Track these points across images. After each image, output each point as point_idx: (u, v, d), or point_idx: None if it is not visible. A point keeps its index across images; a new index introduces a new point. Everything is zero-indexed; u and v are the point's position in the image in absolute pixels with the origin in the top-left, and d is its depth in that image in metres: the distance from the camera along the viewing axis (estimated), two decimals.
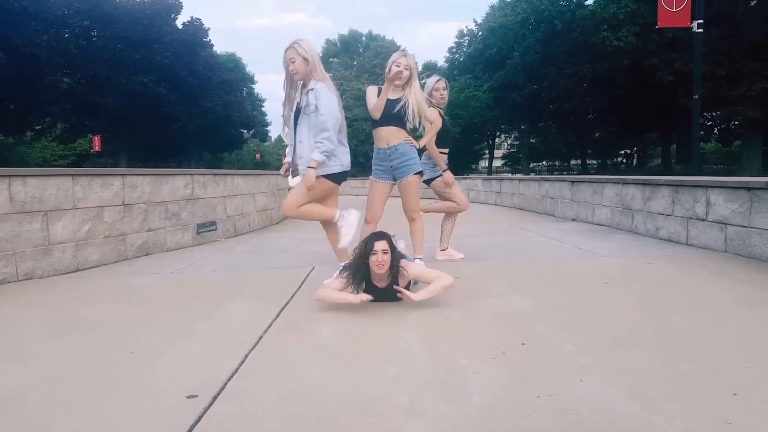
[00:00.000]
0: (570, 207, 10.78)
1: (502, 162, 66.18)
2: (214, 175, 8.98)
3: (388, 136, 4.99)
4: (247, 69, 67.23)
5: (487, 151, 55.60)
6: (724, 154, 54.45)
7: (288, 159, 4.87)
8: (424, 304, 3.83)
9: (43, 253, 5.73)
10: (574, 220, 10.42)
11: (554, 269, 5.39)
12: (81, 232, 6.16)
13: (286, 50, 4.44)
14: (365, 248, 3.74)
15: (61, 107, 16.48)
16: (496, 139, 56.22)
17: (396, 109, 4.88)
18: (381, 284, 3.83)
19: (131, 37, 14.75)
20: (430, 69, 61.57)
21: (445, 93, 5.80)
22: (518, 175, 15.97)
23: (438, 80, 5.83)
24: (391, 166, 5.05)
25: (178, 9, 17.28)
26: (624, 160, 63.99)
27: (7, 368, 2.94)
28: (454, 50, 42.39)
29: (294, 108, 4.67)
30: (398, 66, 4.79)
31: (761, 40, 20.31)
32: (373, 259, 3.68)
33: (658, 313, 3.66)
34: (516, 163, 57.35)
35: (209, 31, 23.85)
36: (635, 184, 8.11)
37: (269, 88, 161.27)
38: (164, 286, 5.06)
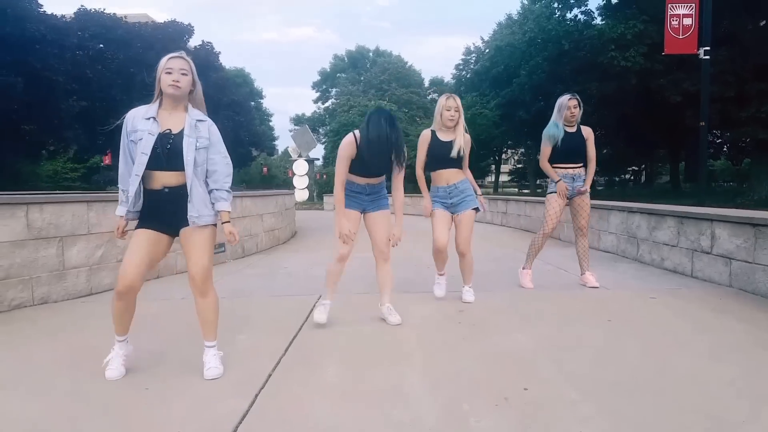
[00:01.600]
0: None
1: (509, 177, 66.31)
2: None
3: (449, 177, 5.31)
4: (255, 84, 67.74)
5: (493, 166, 55.72)
6: (733, 172, 54.41)
7: (124, 212, 3.46)
8: (430, 343, 3.93)
9: (58, 278, 5.86)
10: None
11: (559, 303, 5.45)
12: (95, 257, 6.29)
13: (174, 58, 3.37)
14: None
15: (76, 132, 16.76)
16: (503, 155, 56.34)
17: (451, 153, 5.21)
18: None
19: (145, 61, 14.96)
20: (437, 84, 61.90)
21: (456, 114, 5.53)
22: (524, 197, 16.03)
23: (448, 98, 5.49)
24: (451, 203, 5.33)
25: (190, 33, 17.55)
26: (632, 177, 63.96)
27: (26, 402, 3.04)
28: (461, 67, 42.67)
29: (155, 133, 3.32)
30: (448, 110, 5.19)
31: None
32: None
33: (659, 356, 3.73)
34: (523, 179, 57.41)
35: (220, 55, 24.37)
36: (641, 212, 8.19)
37: (275, 101, 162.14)
38: (175, 315, 5.15)
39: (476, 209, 5.33)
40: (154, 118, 3.32)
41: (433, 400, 3.01)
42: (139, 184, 3.32)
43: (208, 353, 3.52)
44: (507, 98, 33.01)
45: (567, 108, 6.03)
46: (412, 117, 47.20)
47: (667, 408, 2.87)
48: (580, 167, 6.21)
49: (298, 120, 64.75)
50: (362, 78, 58.83)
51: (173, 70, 3.32)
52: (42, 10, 13.05)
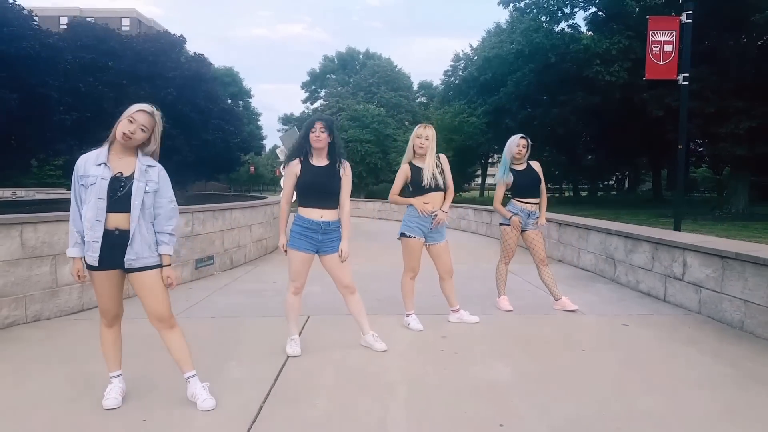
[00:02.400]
0: (557, 248, 11.11)
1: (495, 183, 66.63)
2: (214, 210, 9.27)
3: (433, 202, 5.53)
4: (244, 84, 67.82)
5: (480, 171, 56.13)
6: (713, 181, 55.23)
7: (80, 254, 3.53)
8: (413, 374, 4.15)
9: (50, 295, 6.01)
10: (560, 261, 10.75)
11: (537, 329, 5.69)
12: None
13: (141, 112, 3.48)
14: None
15: (68, 144, 16.89)
16: (489, 159, 56.75)
17: (423, 181, 5.48)
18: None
19: (136, 73, 15.09)
20: (425, 88, 62.22)
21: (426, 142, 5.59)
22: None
23: (421, 127, 5.67)
24: (429, 229, 5.56)
25: (181, 44, 17.64)
26: (615, 185, 64.70)
27: None
28: (450, 73, 43.01)
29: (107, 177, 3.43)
30: (419, 138, 5.46)
31: (750, 79, 20.82)
32: (312, 135, 4.45)
33: (625, 391, 3.97)
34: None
35: (211, 60, 24.86)
36: (618, 235, 8.46)
37: (264, 97, 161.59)
38: None
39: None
40: (105, 163, 3.43)
41: None
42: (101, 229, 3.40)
43: (192, 385, 3.66)
44: (494, 106, 33.37)
45: (517, 146, 6.47)
46: (400, 121, 47.40)
47: None
48: (536, 203, 6.67)
49: (286, 119, 64.68)
50: (351, 80, 58.94)
51: (135, 121, 3.43)
52: (36, 24, 13.14)
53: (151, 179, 3.51)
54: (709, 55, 20.75)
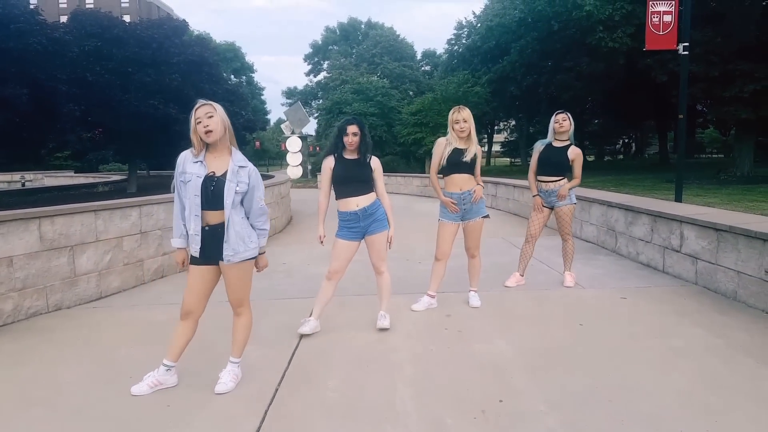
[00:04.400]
0: None
1: (503, 149, 66.64)
2: None
3: (461, 183, 5.61)
4: (246, 58, 67.64)
5: (486, 138, 56.02)
6: (721, 142, 54.98)
7: (183, 244, 3.93)
8: (418, 352, 4.41)
9: (70, 285, 6.27)
10: None
11: (538, 305, 5.92)
12: (103, 263, 6.69)
13: (199, 107, 3.70)
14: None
15: (77, 135, 17.15)
16: (495, 126, 56.65)
17: (464, 158, 5.54)
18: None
19: (141, 60, 15.19)
20: (429, 57, 61.77)
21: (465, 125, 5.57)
22: (513, 180, 16.43)
23: (455, 111, 5.63)
24: (463, 209, 5.66)
25: (184, 29, 17.70)
26: (622, 149, 64.45)
27: (55, 423, 3.47)
28: (453, 42, 42.65)
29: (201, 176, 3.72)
30: (457, 123, 5.51)
31: (754, 41, 20.66)
32: (346, 139, 4.86)
33: (618, 364, 4.21)
34: (515, 151, 57.83)
35: (213, 36, 24.82)
36: (619, 207, 8.63)
37: (267, 70, 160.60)
38: None
39: (486, 216, 5.80)
40: (202, 161, 3.72)
41: (420, 416, 3.46)
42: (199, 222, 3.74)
43: (228, 369, 4.00)
44: (498, 74, 33.22)
45: (555, 120, 6.55)
46: (405, 91, 47.26)
47: (617, 420, 3.33)
48: (553, 181, 6.61)
49: (290, 93, 64.62)
50: (354, 51, 58.64)
51: (202, 118, 3.67)
52: (42, 18, 13.26)
53: (242, 180, 3.76)
54: (713, 18, 20.57)
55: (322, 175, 5.18)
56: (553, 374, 4.04)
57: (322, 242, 5.12)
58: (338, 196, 5.03)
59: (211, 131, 3.65)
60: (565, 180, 6.61)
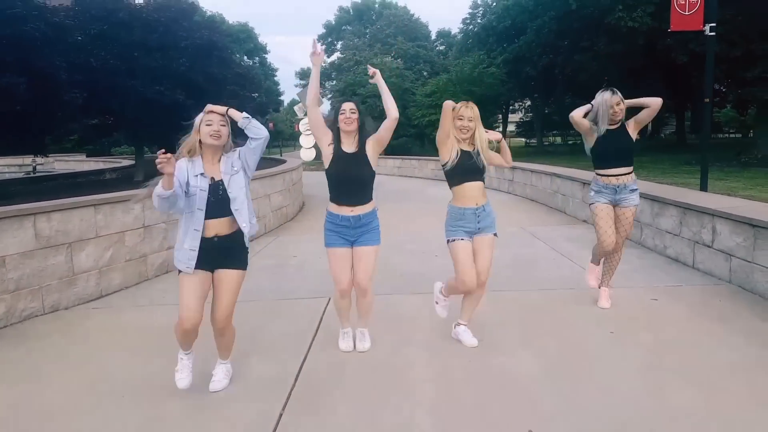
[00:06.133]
0: (581, 208, 10.87)
1: (518, 129, 65.88)
2: None
3: (477, 196, 4.48)
4: (260, 39, 67.19)
5: (500, 118, 55.23)
6: (739, 121, 53.86)
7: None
8: (436, 368, 4.05)
9: (67, 284, 5.98)
10: (585, 221, 10.52)
11: (563, 308, 5.53)
12: (104, 259, 6.39)
13: (211, 112, 3.66)
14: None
15: (81, 123, 16.81)
16: (510, 107, 55.83)
17: (472, 161, 4.45)
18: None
19: (147, 44, 14.70)
20: (444, 36, 60.85)
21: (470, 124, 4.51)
22: (531, 165, 16.01)
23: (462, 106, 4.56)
24: (478, 228, 4.51)
25: (192, 11, 17.09)
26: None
27: None
28: (468, 21, 41.73)
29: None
30: (461, 119, 4.45)
31: None
32: (341, 117, 4.24)
33: (657, 383, 3.82)
34: (530, 132, 57.10)
35: (225, 26, 24.07)
36: (644, 198, 8.18)
37: (281, 51, 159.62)
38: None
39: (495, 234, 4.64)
40: (202, 174, 3.59)
41: None
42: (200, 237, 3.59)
43: (219, 367, 3.96)
44: (514, 54, 32.51)
45: (610, 108, 5.19)
46: (419, 72, 46.52)
47: None
48: (624, 174, 5.33)
49: (303, 74, 64.02)
50: (368, 31, 57.88)
51: (213, 122, 3.60)
52: (42, 2, 12.85)
53: (235, 162, 3.74)
54: None
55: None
56: (585, 396, 3.65)
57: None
58: (332, 197, 4.37)
59: (219, 136, 3.62)
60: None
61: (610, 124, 5.25)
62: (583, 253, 7.74)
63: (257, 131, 3.73)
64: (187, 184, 3.54)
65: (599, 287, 5.66)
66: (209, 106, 3.67)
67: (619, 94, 5.22)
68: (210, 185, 3.59)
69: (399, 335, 4.84)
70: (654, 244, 7.89)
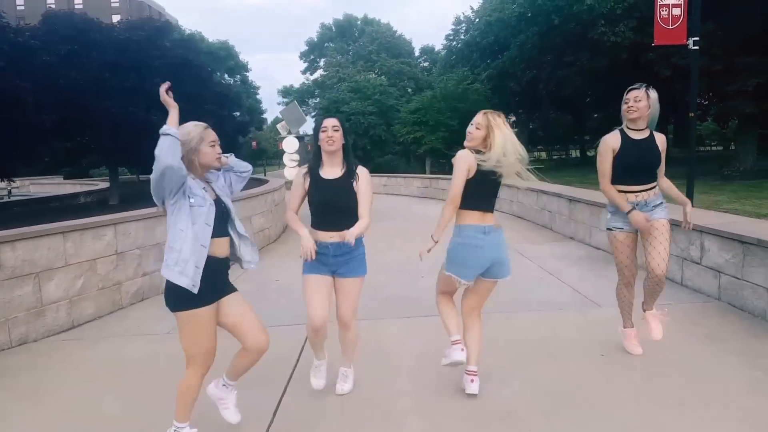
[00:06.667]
0: (568, 224, 10.76)
1: None
2: None
3: (489, 218, 3.97)
4: (240, 57, 67.06)
5: None
6: (720, 134, 54.37)
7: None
8: (424, 398, 3.84)
9: (36, 316, 5.73)
10: (572, 238, 10.41)
11: (552, 331, 5.37)
12: (74, 288, 6.15)
13: (209, 128, 3.37)
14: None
15: (51, 146, 16.39)
16: None
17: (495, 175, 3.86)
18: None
19: (120, 64, 14.47)
20: (428, 53, 61.21)
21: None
22: (517, 182, 15.84)
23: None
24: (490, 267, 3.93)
25: (168, 30, 16.89)
26: None
27: None
28: (451, 37, 41.98)
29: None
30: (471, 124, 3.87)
31: (759, 32, 20.12)
32: (323, 136, 3.78)
33: (651, 410, 3.66)
34: None
35: (203, 44, 24.15)
36: None
37: (262, 66, 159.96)
38: (159, 359, 4.96)
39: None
40: (205, 188, 3.26)
41: None
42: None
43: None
44: (498, 70, 32.75)
45: (625, 102, 4.42)
46: (403, 89, 46.67)
47: None
48: (647, 190, 4.47)
49: (286, 92, 64.02)
50: (350, 48, 58.08)
51: (216, 143, 3.30)
52: (5, 22, 12.56)
53: (220, 184, 3.43)
54: (715, 10, 20.02)
55: (292, 190, 3.98)
56: (579, 426, 3.48)
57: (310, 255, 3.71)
58: (313, 224, 3.86)
59: (223, 161, 3.40)
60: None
61: (629, 125, 4.44)
62: (570, 271, 7.62)
63: (244, 165, 3.57)
64: (194, 195, 3.14)
65: (644, 311, 4.73)
66: (202, 125, 3.32)
67: (648, 90, 4.38)
68: (214, 199, 3.25)
69: (383, 363, 4.65)
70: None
